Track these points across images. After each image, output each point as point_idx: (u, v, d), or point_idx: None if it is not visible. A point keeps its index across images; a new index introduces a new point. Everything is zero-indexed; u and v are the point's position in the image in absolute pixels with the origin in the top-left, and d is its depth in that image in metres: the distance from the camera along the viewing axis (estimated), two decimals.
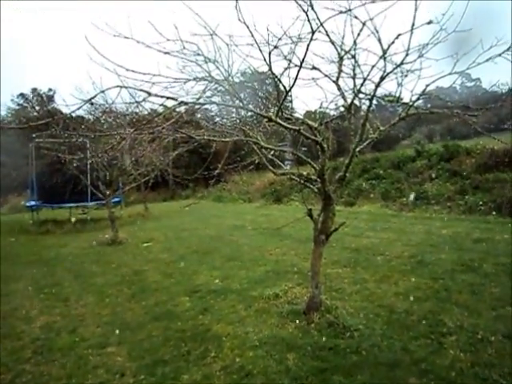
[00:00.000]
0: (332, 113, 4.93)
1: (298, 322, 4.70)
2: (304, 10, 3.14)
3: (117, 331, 4.91)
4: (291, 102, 6.60)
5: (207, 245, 9.69)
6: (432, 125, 35.60)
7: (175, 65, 3.59)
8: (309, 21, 3.19)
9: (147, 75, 3.05)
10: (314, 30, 3.20)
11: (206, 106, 5.65)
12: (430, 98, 4.31)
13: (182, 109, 3.95)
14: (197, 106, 3.96)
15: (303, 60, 3.26)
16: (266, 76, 3.70)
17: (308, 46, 3.19)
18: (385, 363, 3.75)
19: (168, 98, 2.91)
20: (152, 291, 6.41)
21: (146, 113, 9.08)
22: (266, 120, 3.54)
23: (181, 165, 20.13)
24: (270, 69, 3.30)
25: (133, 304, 5.91)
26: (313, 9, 3.66)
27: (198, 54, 3.33)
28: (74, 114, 4.74)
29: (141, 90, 2.88)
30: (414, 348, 4.00)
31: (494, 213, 10.38)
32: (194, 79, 3.37)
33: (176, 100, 2.93)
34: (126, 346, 4.51)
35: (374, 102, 4.22)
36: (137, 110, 9.55)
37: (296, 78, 3.36)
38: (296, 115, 4.31)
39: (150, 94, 2.84)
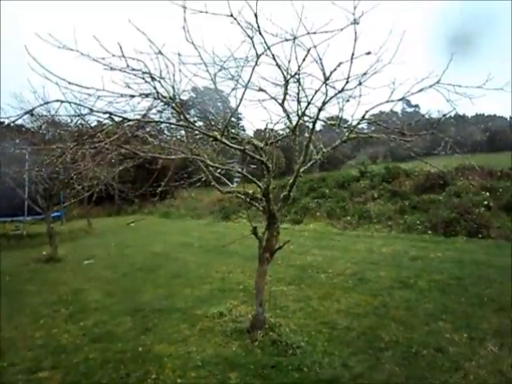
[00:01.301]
0: (281, 133, 5.03)
1: (241, 340, 4.69)
2: (249, 36, 3.24)
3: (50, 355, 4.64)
4: (239, 121, 6.71)
5: (152, 262, 9.46)
6: (376, 147, 37.26)
7: (121, 79, 3.56)
8: (253, 46, 3.29)
9: (91, 89, 3.01)
10: (260, 53, 3.29)
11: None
12: (370, 123, 4.54)
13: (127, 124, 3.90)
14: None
15: (249, 81, 3.35)
16: (217, 93, 3.74)
17: (253, 68, 3.29)
18: (325, 380, 3.83)
19: (110, 114, 2.86)
20: (91, 311, 6.13)
21: (91, 125, 8.83)
22: (211, 139, 3.58)
23: (127, 179, 19.55)
24: (216, 89, 3.35)
25: (70, 325, 5.61)
26: (260, 33, 3.81)
27: (144, 72, 3.31)
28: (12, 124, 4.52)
29: (81, 105, 2.82)
30: (353, 364, 4.12)
31: (429, 232, 10.99)
32: (140, 95, 3.35)
33: (119, 116, 2.89)
34: (60, 371, 4.26)
35: (321, 123, 4.41)
36: (82, 122, 9.24)
37: (241, 99, 3.44)
38: (244, 135, 4.39)
39: (92, 110, 2.79)
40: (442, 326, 4.81)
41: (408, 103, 71.19)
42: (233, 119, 4.80)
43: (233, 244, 8.91)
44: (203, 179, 5.16)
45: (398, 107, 74.12)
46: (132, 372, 4.13)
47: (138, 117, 3.30)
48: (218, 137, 3.51)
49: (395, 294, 5.97)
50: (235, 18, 3.23)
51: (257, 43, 3.83)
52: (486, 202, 12.25)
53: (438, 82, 3.76)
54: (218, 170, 5.00)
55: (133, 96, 3.24)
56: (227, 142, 3.65)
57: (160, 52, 3.27)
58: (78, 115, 3.32)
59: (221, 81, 3.52)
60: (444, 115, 4.08)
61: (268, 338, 4.65)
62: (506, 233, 10.12)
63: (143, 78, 3.49)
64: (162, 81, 3.38)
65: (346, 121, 4.92)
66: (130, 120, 3.10)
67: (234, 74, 3.92)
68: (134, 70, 3.23)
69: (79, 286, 7.60)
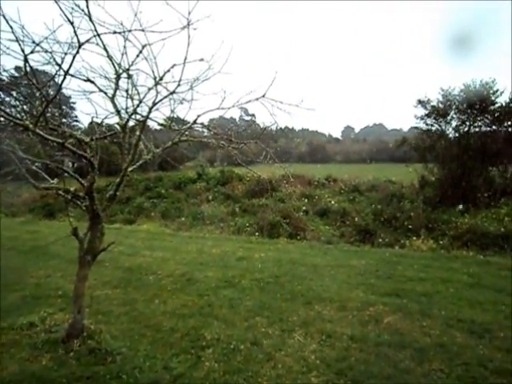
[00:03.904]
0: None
1: (54, 352, 4.28)
2: (69, 20, 2.97)
3: None
4: (72, 111, 6.10)
5: None
6: (214, 150, 38.51)
7: None
8: (74, 31, 3.03)
9: None
10: (83, 41, 3.05)
11: None
12: (204, 127, 4.65)
13: None
14: None
15: (69, 68, 3.07)
16: (29, 77, 3.29)
17: (75, 55, 3.03)
18: None
19: None
20: None
21: None
22: (21, 129, 3.15)
23: None
24: (26, 73, 2.98)
25: None
26: (91, 20, 3.54)
27: None
28: None
29: None
30: (174, 365, 4.15)
31: (257, 233, 11.83)
32: None
33: None
34: None
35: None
36: None
37: (60, 86, 3.14)
38: (76, 127, 4.01)
39: None
40: (259, 321, 5.22)
41: (246, 112, 76.02)
42: (55, 108, 4.33)
43: (55, 245, 8.09)
44: (16, 171, 4.52)
45: (237, 115, 78.56)
46: None
47: None
48: (31, 127, 3.12)
49: (220, 294, 6.23)
50: None
51: (87, 29, 3.58)
52: (304, 208, 13.84)
53: (263, 96, 4.08)
54: (36, 164, 4.47)
55: None
56: (42, 134, 3.27)
57: None
58: None
59: (37, 65, 3.14)
60: (265, 127, 4.44)
61: (86, 346, 4.35)
62: (319, 235, 11.59)
63: None
64: None
65: (187, 122, 4.93)
66: None
67: (59, 59, 3.56)
68: None
69: None
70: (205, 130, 5.23)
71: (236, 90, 4.19)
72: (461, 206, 12.52)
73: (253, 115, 72.26)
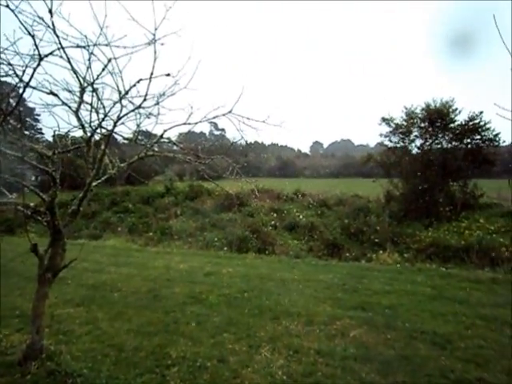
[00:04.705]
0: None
1: (10, 376, 4.06)
2: (29, 33, 2.92)
3: None
4: (36, 123, 5.94)
5: None
6: (183, 164, 38.29)
7: None
8: (35, 43, 2.98)
9: None
10: (45, 54, 3.00)
11: None
12: (169, 142, 4.62)
13: None
14: None
15: (30, 80, 3.01)
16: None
17: (36, 68, 2.98)
18: None
19: None
20: None
21: None
22: None
23: None
24: None
25: None
26: (55, 32, 3.50)
27: None
28: None
29: None
30: None
31: (225, 248, 11.78)
32: None
33: None
34: None
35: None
36: None
37: (20, 98, 3.06)
38: (42, 139, 3.90)
39: None
40: (227, 337, 5.15)
41: (215, 126, 76.25)
42: (15, 121, 4.22)
43: (13, 262, 7.76)
44: None
45: (206, 129, 78.70)
46: None
47: None
48: None
49: (187, 310, 6.13)
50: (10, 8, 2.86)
51: (50, 42, 3.54)
52: (273, 222, 13.92)
53: (229, 112, 4.11)
54: None
55: None
56: None
57: None
58: None
59: None
60: (232, 143, 4.48)
61: (44, 368, 4.16)
62: (287, 249, 11.65)
63: None
64: None
65: (155, 137, 4.88)
66: None
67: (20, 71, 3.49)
68: None
69: None
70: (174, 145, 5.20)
71: (204, 105, 4.21)
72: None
73: (222, 130, 72.57)
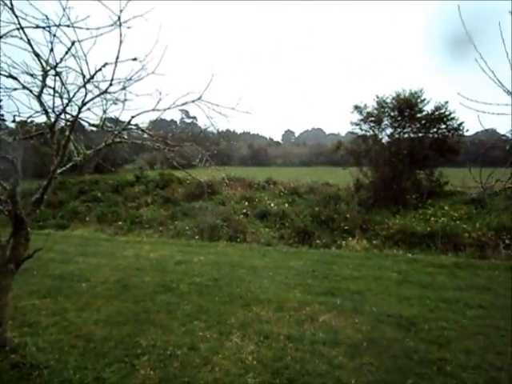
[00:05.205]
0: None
1: None
2: None
3: None
4: None
5: None
6: (154, 152, 37.67)
7: None
8: None
9: None
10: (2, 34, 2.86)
11: None
12: (137, 129, 4.51)
13: None
14: None
15: None
16: None
17: None
18: None
19: None
20: None
21: None
22: None
23: None
24: None
25: None
26: (13, 12, 3.35)
27: None
28: None
29: None
30: (107, 375, 3.99)
31: (197, 237, 11.72)
32: None
33: None
34: None
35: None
36: None
37: None
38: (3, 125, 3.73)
39: None
40: (197, 325, 5.16)
41: (187, 114, 75.25)
42: None
43: None
44: None
45: (177, 117, 77.53)
46: None
47: None
48: None
49: (157, 299, 6.09)
50: None
51: (9, 22, 3.38)
52: (244, 210, 13.94)
53: (199, 99, 4.06)
54: None
55: None
56: None
57: None
58: None
59: None
60: (201, 130, 4.43)
61: (8, 361, 4.04)
62: (258, 237, 11.70)
63: None
64: None
65: (122, 123, 4.76)
66: None
67: None
68: None
69: None
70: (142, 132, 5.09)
71: (173, 91, 4.13)
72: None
73: (194, 118, 71.71)
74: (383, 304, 5.83)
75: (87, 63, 3.72)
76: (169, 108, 4.24)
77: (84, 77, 3.53)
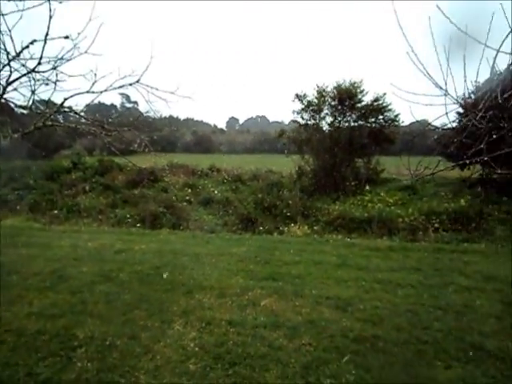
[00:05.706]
0: None
1: None
2: None
3: None
4: None
5: None
6: (94, 138, 35.90)
7: None
8: None
9: None
10: None
11: None
12: (70, 111, 4.26)
13: None
14: None
15: None
16: None
17: None
18: None
19: None
20: None
21: None
22: None
23: None
24: None
25: None
26: None
27: None
28: None
29: None
30: (40, 370, 3.83)
31: (138, 225, 11.43)
32: None
33: None
34: None
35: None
36: None
37: None
38: None
39: None
40: (138, 314, 5.06)
41: (127, 99, 72.55)
42: None
43: None
44: None
45: (118, 101, 74.50)
46: None
47: None
48: None
49: (96, 289, 5.88)
50: None
51: None
52: (187, 198, 13.79)
53: (137, 82, 3.91)
54: None
55: None
56: None
57: None
58: None
59: None
60: (139, 115, 4.29)
61: None
62: (202, 224, 11.65)
63: None
64: None
65: (54, 106, 4.47)
66: None
67: None
68: None
69: None
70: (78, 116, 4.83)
71: (111, 73, 3.94)
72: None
73: (135, 102, 69.18)
74: (322, 287, 6.04)
75: (12, 39, 3.45)
76: (105, 90, 4.04)
77: (8, 54, 3.27)
